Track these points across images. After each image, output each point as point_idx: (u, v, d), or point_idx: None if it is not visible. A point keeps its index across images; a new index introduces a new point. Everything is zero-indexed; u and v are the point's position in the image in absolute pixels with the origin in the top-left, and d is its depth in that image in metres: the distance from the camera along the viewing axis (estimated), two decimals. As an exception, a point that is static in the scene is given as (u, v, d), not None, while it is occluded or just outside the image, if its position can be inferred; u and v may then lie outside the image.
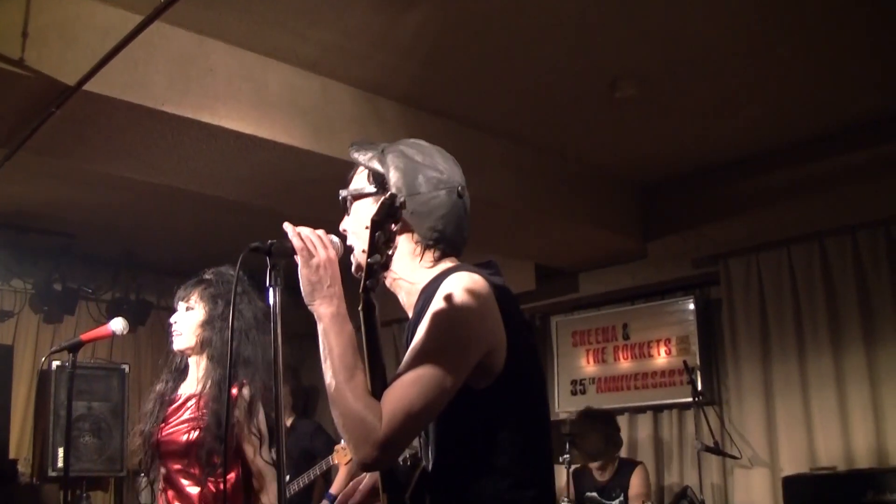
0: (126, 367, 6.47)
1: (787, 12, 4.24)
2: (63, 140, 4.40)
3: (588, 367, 7.23)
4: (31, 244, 6.77)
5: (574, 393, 7.23)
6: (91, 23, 3.89)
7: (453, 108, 5.21)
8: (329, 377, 1.80)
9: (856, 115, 5.39)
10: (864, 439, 5.58)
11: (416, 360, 1.77)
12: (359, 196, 2.09)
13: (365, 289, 1.77)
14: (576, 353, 7.29)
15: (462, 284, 1.83)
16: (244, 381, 3.33)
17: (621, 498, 5.66)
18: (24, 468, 6.32)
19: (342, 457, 5.47)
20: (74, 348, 3.58)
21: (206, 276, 3.53)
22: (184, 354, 3.49)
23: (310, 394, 8.83)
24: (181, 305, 3.48)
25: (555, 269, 7.17)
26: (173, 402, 3.45)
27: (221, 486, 3.24)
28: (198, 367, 3.45)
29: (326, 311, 1.85)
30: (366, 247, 1.81)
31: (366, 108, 4.94)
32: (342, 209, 2.15)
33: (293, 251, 1.92)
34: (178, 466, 3.33)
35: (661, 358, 6.77)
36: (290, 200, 5.37)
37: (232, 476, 3.33)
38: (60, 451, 5.94)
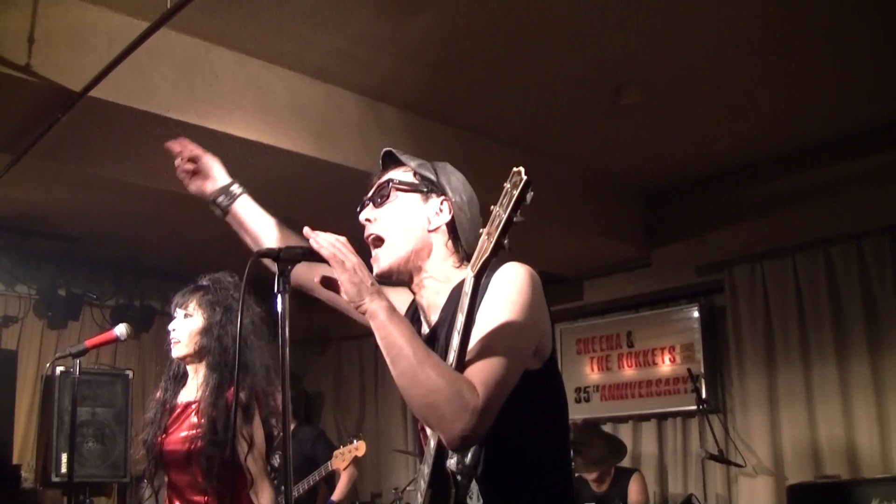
0: (130, 373, 6.45)
1: (792, 19, 4.24)
2: (68, 145, 4.41)
3: (592, 374, 7.22)
4: (34, 248, 6.78)
5: (578, 401, 7.22)
6: (97, 29, 3.90)
7: (457, 115, 5.21)
8: (402, 363, 1.79)
9: (861, 122, 5.38)
10: (868, 447, 5.57)
11: (493, 336, 1.81)
12: (408, 188, 2.12)
13: (498, 247, 1.73)
14: (580, 361, 7.28)
15: (522, 269, 1.95)
16: (241, 386, 3.32)
17: (621, 507, 5.63)
18: (27, 473, 6.31)
19: (341, 462, 5.46)
20: (79, 354, 3.58)
21: (204, 283, 3.52)
22: (182, 362, 3.49)
23: (313, 400, 8.83)
24: (179, 312, 3.47)
25: (559, 277, 7.17)
26: (174, 410, 3.44)
27: (227, 492, 3.23)
28: (196, 375, 3.44)
29: (380, 304, 1.84)
30: (403, 242, 2.05)
31: (370, 115, 4.95)
32: (371, 198, 2.15)
33: (302, 256, 1.92)
34: (183, 475, 3.32)
35: (666, 366, 6.76)
36: (295, 206, 5.37)
37: (239, 483, 3.33)
38: (64, 457, 5.92)
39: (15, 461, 6.40)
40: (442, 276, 2.09)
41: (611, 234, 6.36)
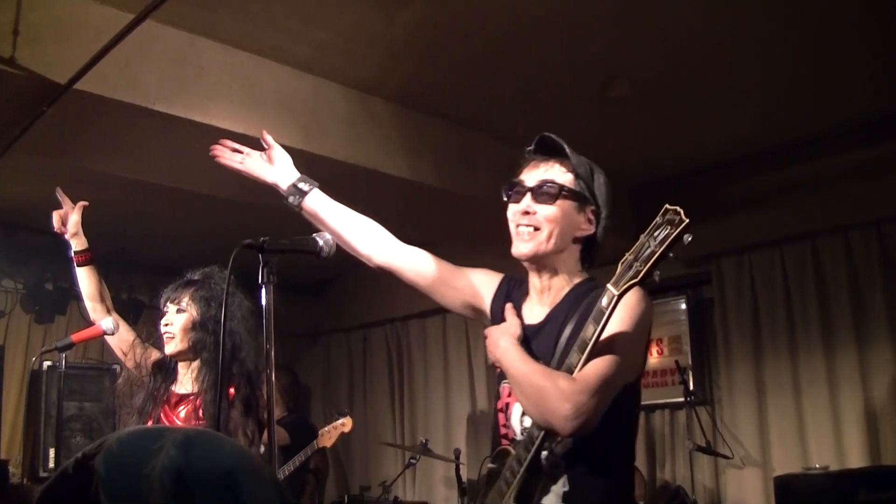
0: (118, 368, 6.42)
1: (780, 13, 4.24)
2: (54, 138, 4.38)
3: (580, 366, 7.21)
4: (21, 243, 6.74)
5: (566, 393, 7.22)
6: (83, 21, 3.88)
7: (446, 107, 5.20)
8: (524, 389, 2.10)
9: (848, 116, 5.40)
10: (855, 439, 5.59)
11: (611, 346, 2.06)
12: (575, 196, 2.32)
13: (647, 277, 1.97)
14: (568, 353, 7.28)
15: (645, 299, 2.18)
16: (240, 381, 3.31)
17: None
18: (14, 468, 6.30)
19: (327, 440, 5.46)
20: (65, 348, 3.57)
21: (195, 278, 3.51)
22: (174, 358, 3.46)
23: (303, 392, 8.84)
24: (171, 307, 3.45)
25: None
26: (168, 401, 3.42)
27: None
28: (190, 370, 3.42)
29: (501, 355, 2.20)
30: (557, 240, 2.26)
31: (358, 108, 4.93)
32: (534, 191, 2.31)
33: (286, 249, 1.93)
34: None
35: (653, 357, 6.76)
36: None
37: None
38: (52, 452, 5.92)
39: (2, 456, 6.38)
40: (567, 279, 2.32)
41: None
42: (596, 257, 2.37)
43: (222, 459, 1.03)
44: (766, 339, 6.15)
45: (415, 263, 2.49)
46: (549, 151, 2.38)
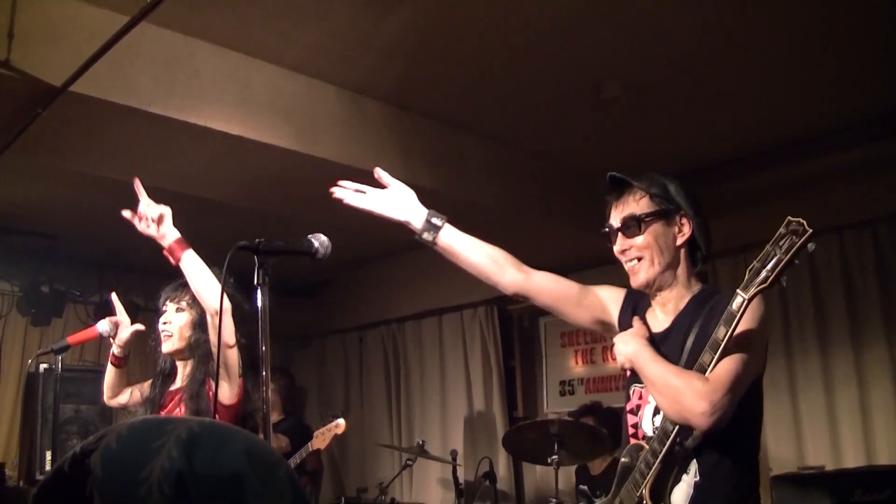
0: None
1: (773, 13, 4.25)
2: (48, 141, 4.38)
3: (576, 367, 7.23)
4: (17, 246, 6.74)
5: (563, 394, 7.23)
6: (77, 24, 3.88)
7: (438, 108, 5.20)
8: (658, 384, 2.33)
9: (842, 116, 5.40)
10: (851, 438, 5.60)
11: (741, 348, 2.28)
12: (654, 217, 2.51)
13: (775, 282, 2.18)
14: (564, 354, 7.29)
15: (764, 300, 2.35)
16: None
17: (612, 496, 5.66)
18: (11, 471, 6.29)
19: (321, 441, 5.47)
20: (60, 350, 3.57)
21: None
22: (172, 357, 3.47)
23: (299, 394, 8.84)
24: (170, 306, 3.45)
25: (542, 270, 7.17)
26: (163, 405, 3.43)
27: None
28: (185, 369, 3.43)
29: (634, 359, 2.41)
30: (659, 259, 2.48)
31: (351, 109, 4.94)
32: (621, 230, 2.54)
33: (282, 250, 1.94)
34: None
35: (650, 358, 6.76)
36: (275, 201, 5.36)
37: None
38: (48, 455, 5.91)
39: (-2, 459, 6.37)
40: (686, 286, 2.56)
41: (592, 228, 6.32)
42: (706, 250, 2.58)
43: (228, 460, 0.96)
44: (761, 339, 6.15)
45: (547, 287, 2.74)
46: (620, 187, 2.59)
